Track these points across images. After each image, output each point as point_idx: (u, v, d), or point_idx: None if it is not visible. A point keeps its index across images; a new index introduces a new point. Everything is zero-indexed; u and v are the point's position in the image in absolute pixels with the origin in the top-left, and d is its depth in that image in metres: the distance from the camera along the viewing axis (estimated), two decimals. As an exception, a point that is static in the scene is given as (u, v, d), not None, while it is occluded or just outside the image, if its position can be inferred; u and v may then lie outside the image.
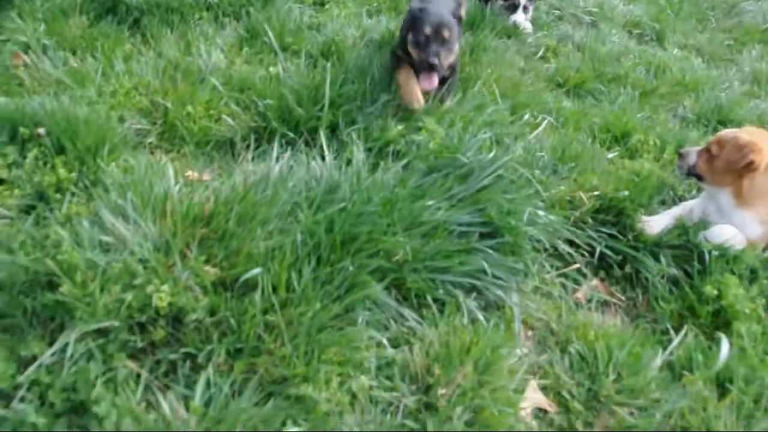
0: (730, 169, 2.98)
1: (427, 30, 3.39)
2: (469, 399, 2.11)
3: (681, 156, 3.28)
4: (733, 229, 2.94)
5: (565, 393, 2.28)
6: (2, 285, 2.13)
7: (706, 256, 2.83)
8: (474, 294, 2.49)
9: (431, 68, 3.36)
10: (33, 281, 2.14)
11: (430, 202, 2.64)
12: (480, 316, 2.41)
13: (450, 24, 3.44)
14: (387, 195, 2.58)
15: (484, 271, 2.51)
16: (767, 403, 2.36)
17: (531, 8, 5.52)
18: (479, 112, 3.52)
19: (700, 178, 3.17)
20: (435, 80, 3.40)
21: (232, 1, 4.42)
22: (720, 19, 7.03)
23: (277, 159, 2.85)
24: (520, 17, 5.36)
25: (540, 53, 4.99)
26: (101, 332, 2.01)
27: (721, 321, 2.67)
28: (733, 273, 2.79)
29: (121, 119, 3.03)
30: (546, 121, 3.75)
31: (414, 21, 3.48)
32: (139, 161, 2.69)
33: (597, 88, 4.57)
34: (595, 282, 2.85)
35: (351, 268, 2.28)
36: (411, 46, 3.49)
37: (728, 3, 7.41)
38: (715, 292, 2.68)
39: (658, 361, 2.42)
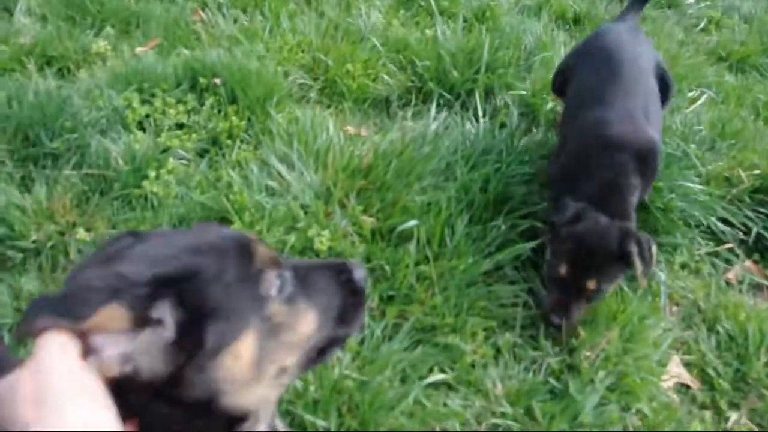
0: None
1: (565, 265, 2.09)
2: (613, 364, 2.12)
3: None
4: None
5: (710, 371, 2.24)
6: (181, 218, 2.33)
7: None
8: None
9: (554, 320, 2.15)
10: (207, 217, 2.33)
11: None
12: (625, 286, 2.39)
13: (606, 272, 2.10)
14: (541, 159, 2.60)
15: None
16: None
17: (696, -23, 5.26)
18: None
19: None
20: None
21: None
22: None
23: (434, 119, 2.92)
24: (683, -13, 5.13)
25: (701, 25, 4.75)
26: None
27: None
28: None
29: (287, 74, 3.19)
30: (705, 95, 3.59)
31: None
32: (304, 113, 2.84)
33: (764, 63, 4.31)
34: (748, 263, 2.74)
35: (503, 227, 2.33)
36: (547, 267, 2.21)
37: None
38: None
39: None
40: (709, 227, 2.78)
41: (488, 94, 3.19)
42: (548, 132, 3.02)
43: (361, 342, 2.05)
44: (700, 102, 3.53)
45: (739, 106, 3.65)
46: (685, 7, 5.02)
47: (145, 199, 2.38)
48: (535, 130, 3.04)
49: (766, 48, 4.49)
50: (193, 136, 2.70)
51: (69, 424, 0.66)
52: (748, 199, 2.89)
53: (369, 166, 2.52)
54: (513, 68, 3.39)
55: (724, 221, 2.81)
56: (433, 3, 3.94)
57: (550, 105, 3.14)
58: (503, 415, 1.98)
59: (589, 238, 2.04)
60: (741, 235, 2.81)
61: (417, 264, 2.22)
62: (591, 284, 2.06)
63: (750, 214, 2.83)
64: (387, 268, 2.21)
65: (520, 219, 2.40)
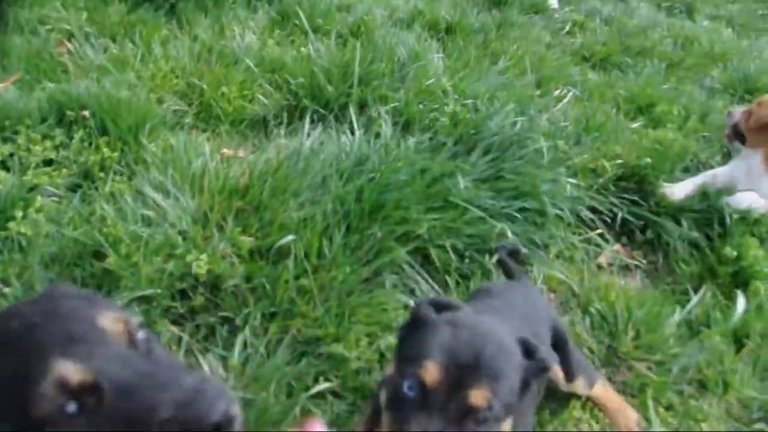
0: (760, 124, 3.09)
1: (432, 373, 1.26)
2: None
3: (729, 114, 3.41)
4: (755, 195, 2.99)
5: (585, 350, 2.36)
6: (53, 257, 2.28)
7: (727, 220, 2.88)
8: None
9: None
10: (81, 253, 2.29)
11: (455, 172, 2.73)
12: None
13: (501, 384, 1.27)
14: (413, 166, 2.67)
15: (507, 237, 2.60)
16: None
17: (557, -15, 5.54)
18: (505, 87, 3.58)
19: (742, 138, 3.27)
20: None
21: (263, -16, 4.55)
22: (755, -11, 6.95)
23: (309, 134, 2.97)
24: (548, -7, 5.40)
25: (567, 28, 5.02)
26: (145, 299, 2.15)
27: (739, 281, 2.73)
28: (753, 235, 2.85)
29: (160, 101, 3.16)
30: (571, 93, 3.79)
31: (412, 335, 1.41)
32: (178, 140, 2.83)
33: (623, 61, 4.62)
34: (617, 247, 2.92)
35: (379, 235, 2.39)
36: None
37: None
38: (735, 253, 2.74)
39: (677, 318, 2.50)
40: (579, 216, 2.94)
41: (363, 106, 3.25)
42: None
43: (245, 361, 2.06)
44: (566, 100, 3.72)
45: (602, 102, 3.88)
46: (552, 12, 5.28)
47: (12, 241, 2.31)
48: (410, 137, 3.12)
49: (625, 47, 4.81)
50: (63, 171, 2.64)
51: None
52: (613, 187, 3.08)
53: (246, 186, 2.53)
54: (387, 79, 3.47)
55: (593, 210, 2.98)
56: (305, 21, 3.99)
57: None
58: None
59: None
60: (609, 222, 2.99)
61: (297, 278, 2.25)
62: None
63: (615, 201, 3.01)
64: (267, 285, 2.23)
65: (394, 225, 2.46)
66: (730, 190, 3.06)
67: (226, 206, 2.47)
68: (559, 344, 1.82)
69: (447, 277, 2.49)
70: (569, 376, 1.84)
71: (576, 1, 5.63)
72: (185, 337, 2.11)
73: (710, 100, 4.30)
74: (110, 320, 0.89)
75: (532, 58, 4.16)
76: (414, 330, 1.40)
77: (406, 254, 2.42)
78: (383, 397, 1.35)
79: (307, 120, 3.05)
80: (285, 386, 2.00)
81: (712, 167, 3.38)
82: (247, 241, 2.37)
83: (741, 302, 2.57)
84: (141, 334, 0.94)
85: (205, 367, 2.04)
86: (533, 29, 4.75)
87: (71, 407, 0.80)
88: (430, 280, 2.47)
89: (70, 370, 0.81)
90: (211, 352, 2.10)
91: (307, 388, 2.00)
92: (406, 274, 2.42)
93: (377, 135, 3.01)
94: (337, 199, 2.49)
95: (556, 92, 3.78)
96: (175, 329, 2.13)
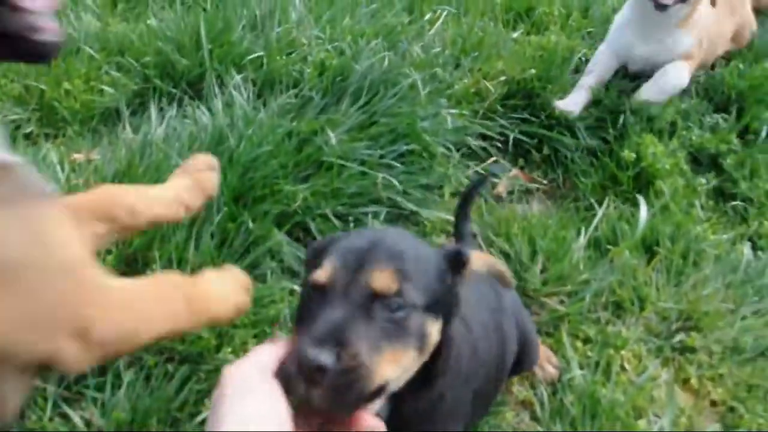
0: None
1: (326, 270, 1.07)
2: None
3: None
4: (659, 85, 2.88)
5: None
6: None
7: (622, 119, 2.74)
8: (384, 214, 2.37)
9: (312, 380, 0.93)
10: None
11: (324, 127, 2.49)
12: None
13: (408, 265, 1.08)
14: (277, 133, 2.42)
15: (396, 189, 2.40)
16: (696, 256, 2.31)
17: None
18: (372, 20, 3.31)
19: None
20: None
21: (99, -45, 4.13)
22: None
23: (164, 119, 2.67)
24: None
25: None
26: None
27: (643, 183, 2.62)
28: (651, 132, 2.71)
29: (-6, 111, 2.82)
30: (445, 13, 3.54)
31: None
32: (18, 153, 2.51)
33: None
34: (514, 172, 2.75)
35: (251, 224, 2.16)
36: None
37: None
38: (634, 155, 2.61)
39: (583, 241, 2.35)
40: (470, 147, 2.75)
41: (220, 76, 2.94)
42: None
43: (124, 399, 1.83)
44: (439, 22, 3.46)
45: (480, 15, 3.63)
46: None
47: None
48: (281, 93, 2.84)
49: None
50: None
51: None
52: (500, 108, 2.88)
53: (97, 194, 2.26)
54: (247, 39, 3.15)
55: (483, 137, 2.79)
56: (144, -12, 3.62)
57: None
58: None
59: None
60: (502, 146, 2.82)
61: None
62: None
63: (505, 122, 2.83)
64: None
65: (269, 205, 2.22)
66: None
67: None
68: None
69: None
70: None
71: None
72: (50, 387, 1.86)
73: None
74: None
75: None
76: (311, 249, 1.24)
77: (285, 235, 2.20)
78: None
79: (154, 105, 2.73)
80: (170, 419, 1.79)
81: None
82: (110, 259, 2.12)
83: (643, 208, 2.44)
84: None
85: (77, 419, 1.80)
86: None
87: None
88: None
89: None
90: (83, 398, 1.86)
91: (194, 416, 1.80)
92: (288, 257, 2.20)
93: (232, 105, 2.72)
94: (198, 189, 2.23)
95: (428, 15, 3.51)
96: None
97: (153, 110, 2.68)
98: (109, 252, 2.10)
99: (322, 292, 1.05)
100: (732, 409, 2.04)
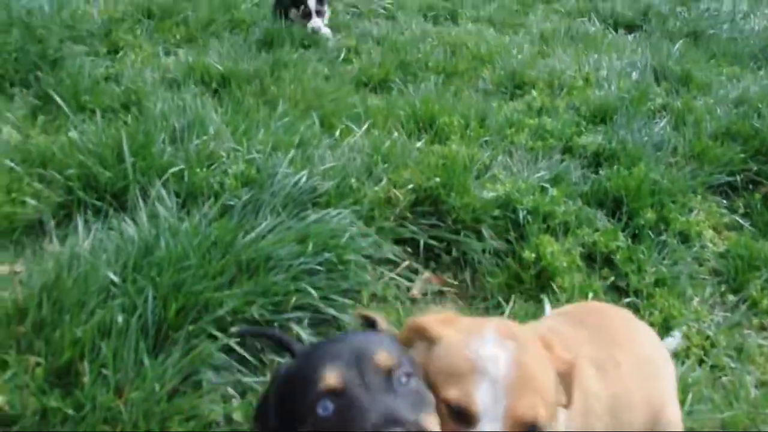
0: None
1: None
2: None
3: None
4: None
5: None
6: None
7: (521, 220, 3.01)
8: (307, 320, 2.52)
9: None
10: None
11: (249, 238, 2.66)
12: (315, 340, 2.44)
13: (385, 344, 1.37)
14: (202, 243, 2.57)
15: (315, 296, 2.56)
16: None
17: (326, 12, 5.62)
18: (287, 134, 3.54)
19: None
20: None
21: (17, 68, 4.25)
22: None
23: (90, 231, 2.76)
24: (317, 23, 5.47)
25: (342, 56, 5.09)
26: None
27: (544, 281, 2.85)
28: (547, 231, 2.98)
29: None
30: (362, 128, 3.78)
31: None
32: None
33: (400, 78, 4.72)
34: (427, 275, 2.96)
35: (182, 334, 2.27)
36: None
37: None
38: (533, 255, 2.86)
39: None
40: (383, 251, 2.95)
41: (144, 187, 3.06)
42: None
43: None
44: (355, 136, 3.69)
45: (386, 127, 3.93)
46: (325, 42, 5.34)
47: None
48: (202, 204, 2.97)
49: (400, 62, 4.92)
50: None
51: None
52: (410, 215, 3.11)
53: (23, 308, 2.33)
54: (167, 151, 3.29)
55: (396, 241, 3.01)
56: (64, 103, 3.74)
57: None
58: None
59: None
60: (414, 251, 3.03)
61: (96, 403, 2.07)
62: None
63: (414, 228, 3.05)
64: (70, 412, 2.04)
65: (201, 313, 2.34)
66: None
67: (4, 334, 2.25)
68: None
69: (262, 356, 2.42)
70: None
71: (347, 27, 5.73)
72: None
73: (486, 101, 4.49)
74: None
75: (311, 94, 4.16)
76: (288, 377, 1.37)
77: (219, 345, 2.31)
78: None
79: (80, 217, 2.81)
80: None
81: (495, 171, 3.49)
82: (38, 371, 2.17)
83: (547, 306, 2.67)
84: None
85: None
86: (310, 64, 4.76)
87: None
88: (250, 358, 2.39)
89: None
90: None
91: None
92: (222, 366, 2.31)
93: (156, 216, 2.84)
94: (129, 302, 2.33)
95: (340, 129, 3.77)
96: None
97: (80, 222, 2.76)
98: (38, 365, 2.16)
99: (339, 395, 1.20)
100: None
